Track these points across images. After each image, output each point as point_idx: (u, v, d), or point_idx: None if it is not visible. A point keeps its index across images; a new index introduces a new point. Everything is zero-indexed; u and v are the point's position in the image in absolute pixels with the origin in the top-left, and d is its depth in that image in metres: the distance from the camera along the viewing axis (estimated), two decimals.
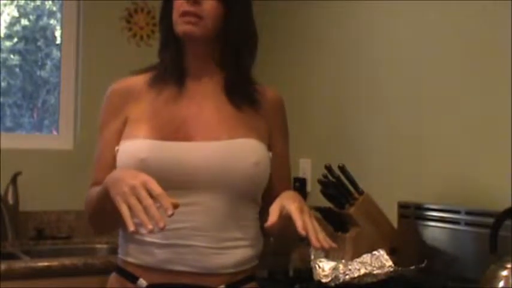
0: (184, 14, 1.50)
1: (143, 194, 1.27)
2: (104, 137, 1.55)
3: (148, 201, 1.26)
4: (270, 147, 1.57)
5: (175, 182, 1.43)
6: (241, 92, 1.56)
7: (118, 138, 1.52)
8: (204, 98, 1.55)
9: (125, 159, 1.48)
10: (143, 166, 1.42)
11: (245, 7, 1.58)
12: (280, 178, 1.59)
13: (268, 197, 1.52)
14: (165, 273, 1.45)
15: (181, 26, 1.51)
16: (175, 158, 1.45)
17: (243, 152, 1.49)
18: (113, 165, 1.49)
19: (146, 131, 1.48)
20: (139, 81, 1.57)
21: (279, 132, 1.62)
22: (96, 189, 1.45)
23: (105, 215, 1.45)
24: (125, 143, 1.50)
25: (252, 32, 1.58)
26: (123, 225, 1.29)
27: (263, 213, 1.51)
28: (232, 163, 1.46)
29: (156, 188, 1.28)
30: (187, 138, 1.48)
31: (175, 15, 1.52)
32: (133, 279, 1.48)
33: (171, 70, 1.55)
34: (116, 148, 1.51)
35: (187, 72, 1.56)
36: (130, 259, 1.50)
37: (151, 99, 1.53)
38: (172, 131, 1.48)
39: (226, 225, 1.48)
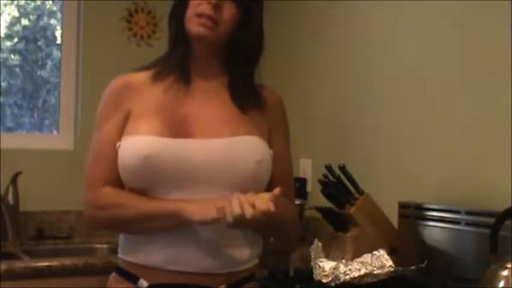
0: (202, 15, 1.49)
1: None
2: (104, 131, 1.53)
3: None
4: (270, 146, 1.57)
5: (177, 179, 1.43)
6: (245, 92, 1.57)
7: (119, 133, 1.51)
8: (208, 96, 1.55)
9: (128, 156, 1.47)
10: (146, 163, 1.42)
11: (260, 17, 1.59)
12: (280, 177, 1.59)
13: None
14: (165, 273, 1.45)
15: (195, 27, 1.50)
16: (178, 155, 1.44)
17: (245, 149, 1.49)
18: (115, 161, 1.49)
19: (149, 128, 1.48)
20: (140, 77, 1.57)
21: (278, 132, 1.62)
22: (154, 207, 1.45)
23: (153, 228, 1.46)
24: (127, 139, 1.49)
25: (261, 40, 1.59)
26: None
27: None
28: (234, 160, 1.46)
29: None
30: (189, 135, 1.48)
31: (190, 13, 1.51)
32: (134, 279, 1.48)
33: (178, 67, 1.54)
34: (118, 144, 1.50)
35: (192, 71, 1.56)
36: (130, 259, 1.50)
37: (154, 95, 1.53)
38: (175, 127, 1.48)
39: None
